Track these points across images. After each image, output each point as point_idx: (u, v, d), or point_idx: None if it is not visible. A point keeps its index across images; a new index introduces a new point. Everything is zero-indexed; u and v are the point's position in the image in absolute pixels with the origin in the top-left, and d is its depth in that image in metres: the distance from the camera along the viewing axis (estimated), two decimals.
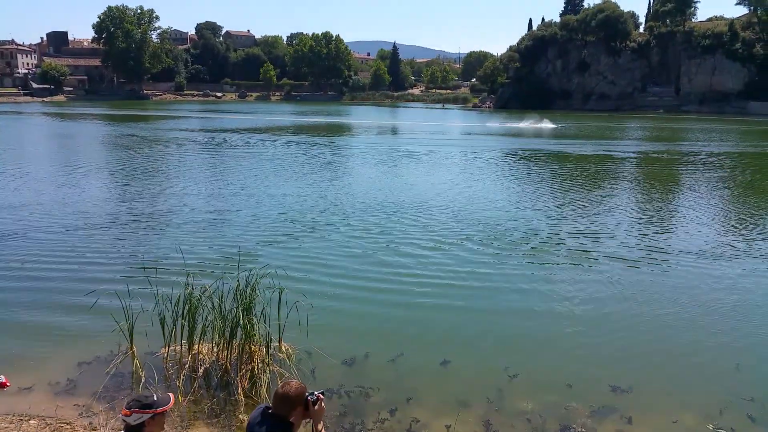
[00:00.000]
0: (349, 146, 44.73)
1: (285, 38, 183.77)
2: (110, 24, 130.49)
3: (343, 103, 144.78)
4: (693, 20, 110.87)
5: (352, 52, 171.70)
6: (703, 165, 34.60)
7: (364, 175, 28.72)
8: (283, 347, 8.92)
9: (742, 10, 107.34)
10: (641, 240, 16.44)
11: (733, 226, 18.69)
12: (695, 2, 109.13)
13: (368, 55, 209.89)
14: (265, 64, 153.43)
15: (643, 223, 18.78)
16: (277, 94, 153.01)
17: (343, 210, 19.98)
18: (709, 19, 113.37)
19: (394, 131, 61.87)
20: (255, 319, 8.40)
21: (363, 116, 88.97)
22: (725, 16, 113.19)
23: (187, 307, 8.50)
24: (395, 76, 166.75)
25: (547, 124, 65.80)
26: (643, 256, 14.74)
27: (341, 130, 62.05)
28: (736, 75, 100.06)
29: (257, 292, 8.68)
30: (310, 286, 11.88)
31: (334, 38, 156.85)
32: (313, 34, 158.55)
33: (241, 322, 8.25)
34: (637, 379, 8.60)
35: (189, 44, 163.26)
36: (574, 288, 12.38)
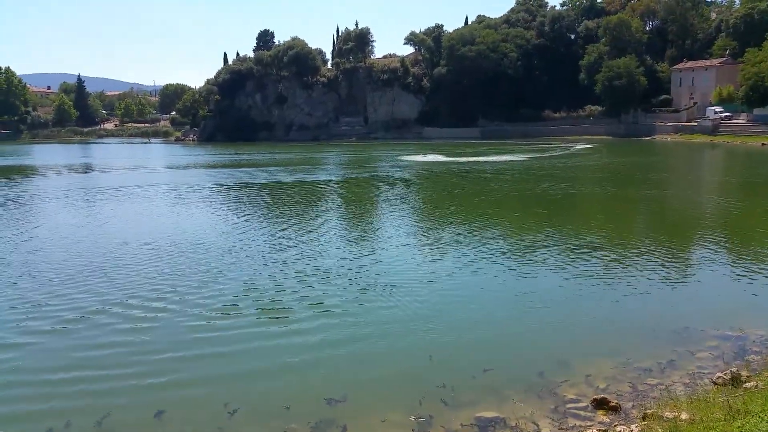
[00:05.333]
0: (33, 190, 39.15)
1: None
2: None
3: (21, 142, 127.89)
4: (372, 57, 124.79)
5: (28, 85, 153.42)
6: (391, 184, 38.86)
7: (51, 222, 25.46)
8: None
9: (410, 49, 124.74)
10: (343, 263, 17.45)
11: (424, 239, 21.37)
12: (372, 41, 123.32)
13: (48, 88, 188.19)
14: None
15: (346, 245, 20.23)
16: None
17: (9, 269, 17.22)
18: (385, 56, 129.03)
19: (87, 169, 56.24)
20: None
21: (49, 156, 79.13)
22: (397, 54, 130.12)
23: None
24: (83, 111, 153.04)
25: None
26: (336, 277, 15.73)
27: (22, 171, 54.13)
28: (411, 105, 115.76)
29: None
30: None
31: (3, 70, 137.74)
32: None
33: None
34: (347, 389, 9.22)
35: None
36: (282, 319, 12.63)
